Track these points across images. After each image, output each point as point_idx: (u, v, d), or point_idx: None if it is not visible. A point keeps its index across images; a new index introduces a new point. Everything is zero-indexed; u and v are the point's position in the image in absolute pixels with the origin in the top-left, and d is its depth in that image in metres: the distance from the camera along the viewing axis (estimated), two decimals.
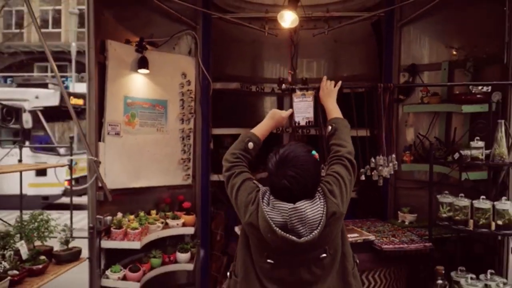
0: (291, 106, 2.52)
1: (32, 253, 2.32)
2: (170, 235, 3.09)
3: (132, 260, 2.94)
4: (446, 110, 2.92)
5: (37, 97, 11.42)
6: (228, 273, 1.96)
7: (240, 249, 1.84)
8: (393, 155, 2.74)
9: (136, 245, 2.74)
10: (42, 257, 2.34)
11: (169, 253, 3.07)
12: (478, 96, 2.63)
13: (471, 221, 2.35)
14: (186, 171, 3.29)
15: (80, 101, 12.99)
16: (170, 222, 3.06)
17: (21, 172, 2.84)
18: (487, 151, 2.39)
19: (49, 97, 11.55)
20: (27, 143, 11.80)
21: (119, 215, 2.82)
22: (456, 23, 2.97)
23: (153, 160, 3.14)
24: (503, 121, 2.36)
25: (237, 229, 2.79)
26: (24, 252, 2.27)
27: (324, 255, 1.67)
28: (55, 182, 11.59)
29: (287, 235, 1.56)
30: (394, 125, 3.24)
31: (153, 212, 3.10)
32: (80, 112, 13.78)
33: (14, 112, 11.60)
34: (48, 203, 11.62)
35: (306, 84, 3.53)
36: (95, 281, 2.69)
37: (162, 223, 3.02)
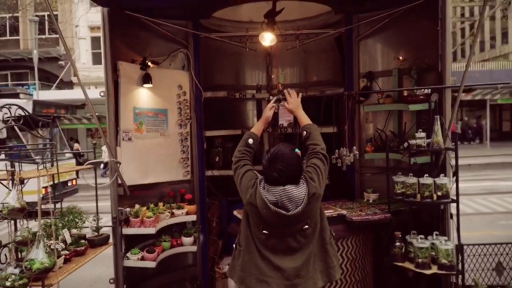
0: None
1: (75, 238, 2.87)
2: (176, 222, 3.67)
3: (145, 245, 3.51)
4: (397, 108, 3.65)
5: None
6: (234, 245, 2.59)
7: (242, 226, 2.47)
8: (354, 147, 3.46)
9: (151, 230, 3.32)
10: (82, 241, 2.89)
11: (176, 237, 3.66)
12: (421, 97, 3.36)
13: (418, 195, 3.08)
14: (186, 168, 3.89)
15: (51, 110, 13.23)
16: (176, 211, 3.65)
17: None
18: (428, 140, 3.12)
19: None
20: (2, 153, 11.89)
21: (137, 206, 3.39)
22: (402, 39, 3.71)
23: (158, 160, 3.72)
24: (438, 116, 3.09)
25: (235, 213, 3.43)
26: (68, 237, 2.81)
27: (307, 226, 2.32)
28: (33, 190, 11.78)
29: (278, 209, 2.20)
30: (357, 122, 3.98)
31: (160, 204, 3.67)
32: (53, 119, 13.97)
33: None
34: (28, 210, 11.76)
35: (281, 90, 4.20)
36: (119, 262, 3.26)
37: (169, 212, 3.61)
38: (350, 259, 3.21)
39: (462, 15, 33.02)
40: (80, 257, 2.78)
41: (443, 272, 2.96)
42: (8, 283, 2.16)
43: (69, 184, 11.84)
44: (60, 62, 25.92)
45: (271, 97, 3.21)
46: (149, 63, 3.59)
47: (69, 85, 26.07)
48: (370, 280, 3.46)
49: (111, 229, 3.24)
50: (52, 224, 2.66)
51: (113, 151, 3.22)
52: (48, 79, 25.66)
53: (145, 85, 3.58)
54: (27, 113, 3.07)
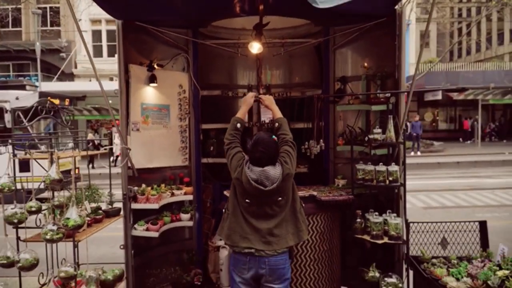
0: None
1: (93, 209, 3.58)
2: (175, 201, 4.38)
3: (149, 219, 4.22)
4: (364, 109, 4.36)
5: (17, 98, 12.23)
6: (223, 211, 3.31)
7: (230, 195, 3.19)
8: (321, 140, 4.19)
9: (155, 206, 4.03)
10: (100, 211, 3.60)
11: (175, 213, 4.37)
12: (382, 99, 4.07)
13: (374, 180, 3.79)
14: (184, 155, 4.60)
15: (56, 101, 13.89)
16: (175, 192, 4.37)
17: (75, 158, 3.97)
18: (384, 136, 3.83)
19: (28, 98, 12.37)
20: (9, 141, 12.60)
21: (143, 186, 4.10)
22: (369, 49, 4.42)
23: (161, 148, 4.42)
24: (391, 116, 3.80)
25: (225, 192, 4.14)
26: (88, 208, 3.52)
27: (280, 199, 3.04)
28: (37, 177, 12.47)
29: (258, 185, 2.92)
30: (332, 119, 4.70)
31: (162, 185, 4.38)
32: (57, 111, 14.59)
33: None
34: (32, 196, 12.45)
35: (269, 89, 4.91)
36: (128, 231, 3.97)
37: (170, 192, 4.32)
38: (319, 232, 3.94)
39: (460, 15, 33.69)
40: (98, 224, 3.50)
41: (392, 241, 3.68)
42: (47, 236, 2.88)
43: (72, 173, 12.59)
44: (61, 54, 26.55)
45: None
46: (155, 66, 4.29)
47: (70, 76, 26.72)
48: (337, 250, 4.19)
49: (122, 203, 3.96)
50: (79, 195, 3.38)
51: (125, 139, 3.92)
52: (49, 71, 26.26)
53: (151, 84, 4.28)
54: (56, 107, 3.72)
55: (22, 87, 12.96)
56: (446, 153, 21.32)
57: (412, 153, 20.57)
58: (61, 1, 26.32)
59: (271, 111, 3.49)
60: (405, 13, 3.81)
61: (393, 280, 3.66)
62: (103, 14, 25.03)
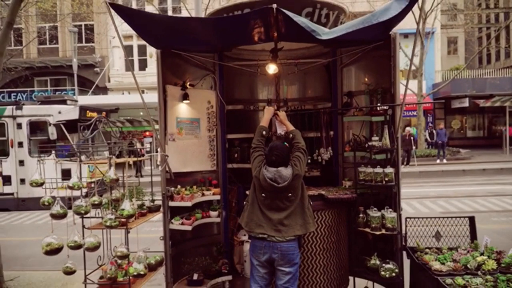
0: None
1: (139, 205, 4.41)
2: (205, 200, 5.18)
3: (184, 215, 5.03)
4: (366, 119, 5.07)
5: (59, 112, 13.36)
6: (244, 203, 4.10)
7: (251, 190, 3.98)
8: (329, 147, 4.93)
9: (188, 204, 4.83)
10: (144, 207, 4.44)
11: (205, 211, 5.18)
12: (381, 111, 4.78)
13: (373, 180, 4.49)
14: (212, 161, 5.41)
15: (94, 114, 15.04)
16: (205, 192, 5.17)
17: (127, 162, 4.83)
18: (380, 142, 4.53)
19: (69, 112, 13.50)
20: (52, 153, 13.73)
21: (178, 187, 4.93)
22: (370, 68, 5.14)
23: (193, 155, 5.24)
24: (386, 125, 4.51)
25: (247, 192, 4.91)
26: (135, 204, 4.36)
27: (290, 194, 3.81)
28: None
29: (272, 182, 3.70)
30: (340, 128, 5.42)
31: (194, 187, 5.20)
32: (95, 124, 15.69)
33: (41, 126, 13.56)
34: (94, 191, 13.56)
35: (286, 102, 5.70)
36: (166, 225, 4.78)
37: (201, 193, 5.13)
38: (327, 225, 4.65)
39: (488, 21, 33.65)
40: (143, 217, 4.33)
41: (388, 233, 4.37)
42: (107, 224, 3.72)
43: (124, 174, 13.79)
44: (96, 69, 28.09)
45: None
46: (187, 85, 5.12)
47: (103, 90, 28.20)
48: (345, 242, 4.90)
49: (161, 201, 4.78)
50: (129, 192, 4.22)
51: (163, 147, 4.76)
52: (83, 85, 27.83)
53: (184, 101, 5.11)
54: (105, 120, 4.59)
55: (63, 102, 14.10)
56: (473, 160, 21.50)
57: (438, 161, 20.85)
58: (95, 19, 27.92)
59: (284, 126, 4.30)
60: (397, 36, 4.50)
61: (390, 266, 4.34)
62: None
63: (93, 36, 28.06)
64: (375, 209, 4.49)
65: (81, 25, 27.85)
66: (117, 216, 3.76)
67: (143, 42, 27.79)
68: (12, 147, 13.60)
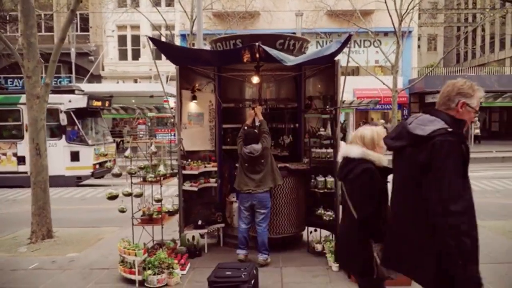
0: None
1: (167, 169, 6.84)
2: (206, 170, 7.59)
3: (192, 180, 7.45)
4: (320, 116, 7.55)
5: (70, 101, 15.51)
6: (235, 173, 6.60)
7: (238, 164, 6.50)
8: (290, 135, 7.46)
9: (195, 172, 7.25)
10: (169, 171, 6.86)
11: (206, 178, 7.61)
12: (328, 111, 7.26)
13: (321, 158, 6.98)
14: (212, 144, 7.84)
15: (98, 103, 17.25)
16: (207, 165, 7.58)
17: (151, 142, 7.24)
18: (325, 132, 7.01)
19: (78, 101, 15.64)
20: (63, 137, 16.00)
21: (189, 161, 7.36)
22: (323, 80, 7.61)
23: (198, 139, 7.65)
24: (329, 121, 6.99)
25: (237, 165, 7.38)
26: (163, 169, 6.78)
27: (263, 161, 6.35)
28: (86, 166, 15.90)
29: (250, 153, 6.24)
30: (303, 122, 7.90)
31: (199, 161, 7.61)
32: (98, 112, 17.91)
33: (53, 113, 15.73)
34: (81, 182, 15.73)
35: (266, 102, 8.15)
36: (180, 186, 7.21)
37: (203, 165, 7.55)
38: (289, 187, 7.13)
39: (466, 19, 36.32)
40: (168, 178, 6.77)
41: (328, 191, 6.87)
42: (149, 179, 6.15)
43: (108, 163, 15.87)
44: (90, 57, 30.14)
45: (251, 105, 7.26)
46: (195, 89, 7.54)
47: (97, 78, 30.29)
48: (303, 199, 7.39)
49: (178, 170, 7.20)
50: (159, 162, 6.65)
51: (179, 132, 7.18)
52: (78, 72, 29.81)
53: (193, 101, 7.52)
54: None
55: (71, 91, 16.22)
56: None
57: None
58: (90, 8, 29.90)
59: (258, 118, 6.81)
60: (339, 62, 6.96)
61: (329, 213, 6.85)
62: (128, 21, 28.54)
63: (87, 25, 30.01)
64: (321, 175, 6.99)
65: (76, 15, 29.75)
66: (156, 175, 6.18)
67: (136, 33, 29.97)
68: (26, 131, 15.79)
